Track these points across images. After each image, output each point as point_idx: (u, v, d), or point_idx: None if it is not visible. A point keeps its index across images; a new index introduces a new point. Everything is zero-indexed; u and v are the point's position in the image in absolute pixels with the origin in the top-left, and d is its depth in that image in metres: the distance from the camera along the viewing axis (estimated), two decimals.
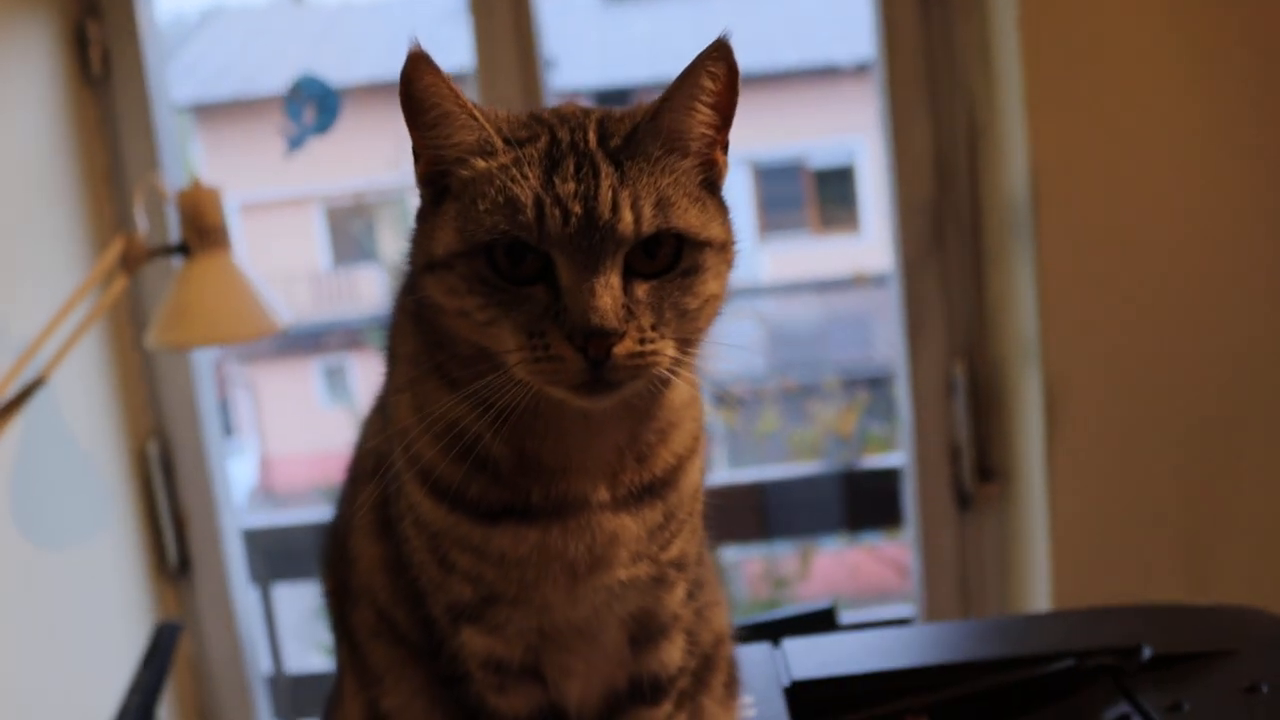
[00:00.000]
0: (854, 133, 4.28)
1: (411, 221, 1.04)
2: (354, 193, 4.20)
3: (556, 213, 0.91)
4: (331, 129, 2.57)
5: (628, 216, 0.92)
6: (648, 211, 0.93)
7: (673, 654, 1.16)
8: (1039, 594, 2.45)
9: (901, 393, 2.64)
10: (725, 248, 0.99)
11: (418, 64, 0.94)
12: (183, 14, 3.98)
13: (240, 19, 4.22)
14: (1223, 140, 2.25)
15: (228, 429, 4.00)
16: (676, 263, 0.95)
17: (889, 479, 2.83)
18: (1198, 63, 2.23)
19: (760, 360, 3.93)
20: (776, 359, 4.08)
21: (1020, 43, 2.23)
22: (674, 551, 1.09)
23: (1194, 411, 2.33)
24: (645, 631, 1.14)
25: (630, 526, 1.04)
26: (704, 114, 0.97)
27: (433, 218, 0.98)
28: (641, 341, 0.92)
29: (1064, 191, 2.27)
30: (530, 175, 0.93)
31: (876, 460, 3.55)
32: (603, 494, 1.03)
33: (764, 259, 4.62)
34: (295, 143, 2.56)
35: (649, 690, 1.16)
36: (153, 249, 2.01)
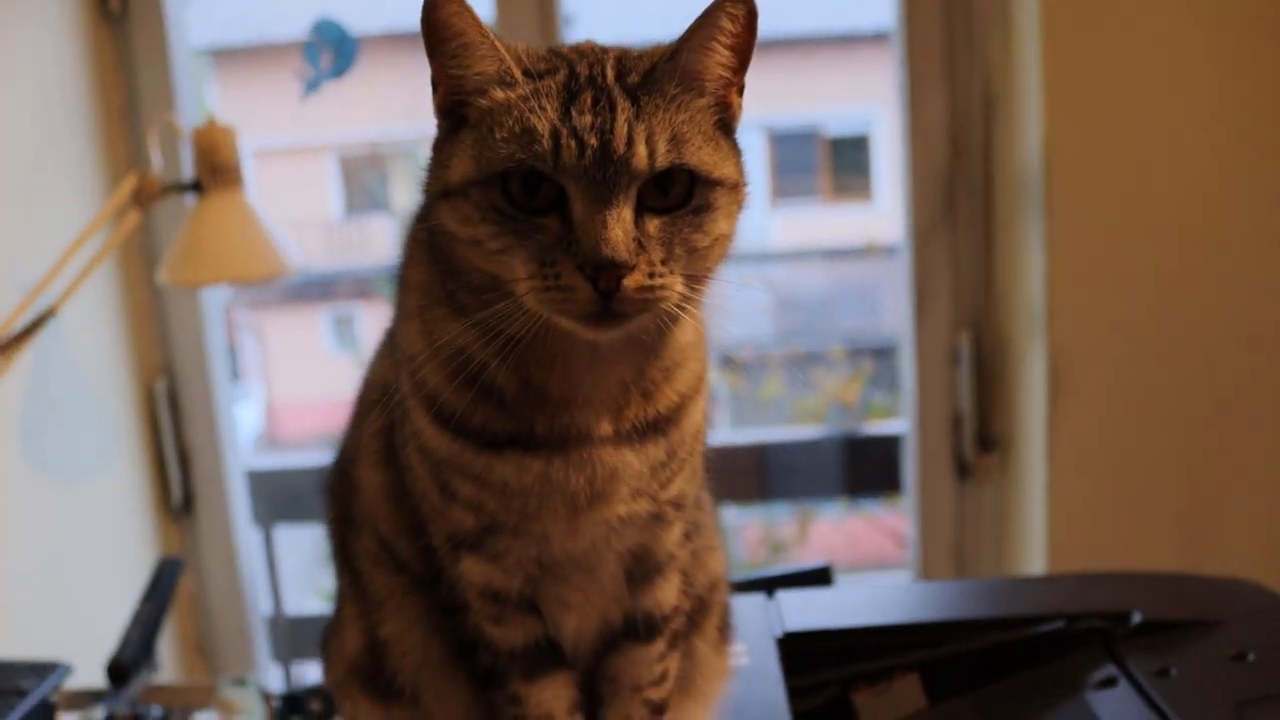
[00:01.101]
0: (871, 101, 4.25)
1: (429, 151, 1.05)
2: (369, 142, 4.18)
3: (572, 144, 0.92)
4: (348, 74, 2.58)
5: (642, 151, 0.93)
6: (662, 147, 0.94)
7: (668, 593, 1.18)
8: (1034, 565, 2.46)
9: (906, 360, 2.65)
10: (737, 188, 1.00)
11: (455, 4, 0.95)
12: None
13: None
14: (1237, 120, 2.25)
15: (235, 374, 4.01)
16: (688, 199, 0.96)
17: (890, 446, 2.84)
18: (1218, 41, 2.23)
19: (767, 326, 3.92)
20: (783, 325, 4.07)
21: (1040, 14, 2.23)
22: (673, 490, 1.11)
23: (1196, 389, 2.33)
24: (642, 568, 1.15)
25: (632, 462, 1.06)
26: (721, 54, 0.98)
27: (449, 146, 0.99)
28: (651, 275, 0.93)
29: (1076, 165, 2.27)
30: (548, 107, 0.94)
31: (878, 427, 3.56)
32: (606, 428, 1.05)
33: (775, 225, 4.61)
34: (311, 86, 2.57)
35: (643, 627, 1.18)
36: (166, 186, 2.02)
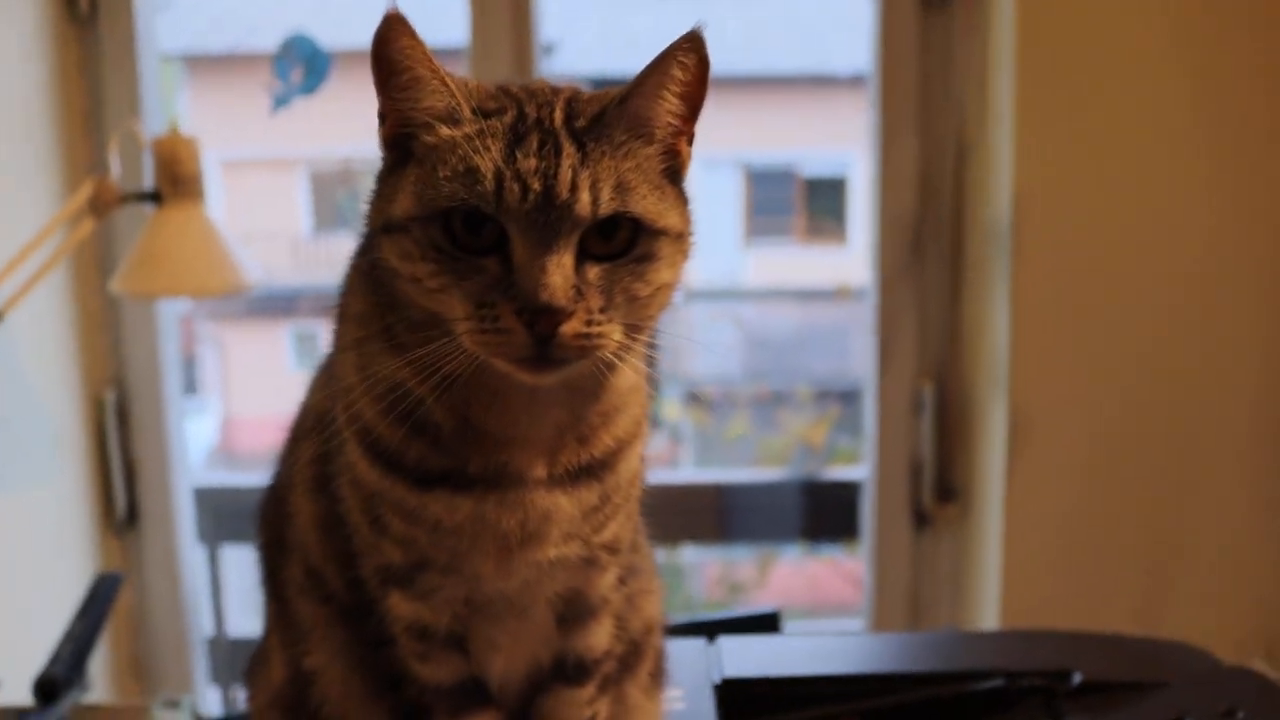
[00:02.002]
0: (849, 144, 4.25)
1: (373, 183, 1.03)
2: (340, 159, 4.16)
3: (515, 187, 0.91)
4: (318, 91, 2.55)
5: (585, 198, 0.92)
6: (606, 194, 0.93)
7: (600, 636, 1.16)
8: (988, 617, 2.45)
9: (868, 406, 2.63)
10: (681, 237, 0.99)
11: (393, 25, 0.94)
12: None
13: None
14: (1212, 175, 2.26)
15: (192, 386, 3.95)
16: (631, 248, 0.95)
17: (850, 491, 2.82)
18: (1196, 100, 2.24)
19: (736, 363, 3.91)
20: (752, 364, 4.06)
21: (1015, 66, 2.23)
22: (608, 535, 1.09)
23: (1158, 447, 2.33)
24: (573, 611, 1.13)
25: (564, 505, 1.04)
26: (671, 103, 0.97)
27: (394, 180, 0.98)
28: (589, 323, 0.92)
29: (1046, 216, 2.27)
30: (493, 147, 0.93)
31: (839, 472, 3.54)
32: (540, 470, 1.03)
33: (748, 263, 4.60)
34: (281, 101, 2.54)
35: (573, 670, 1.15)
36: (124, 194, 1.99)
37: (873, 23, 2.47)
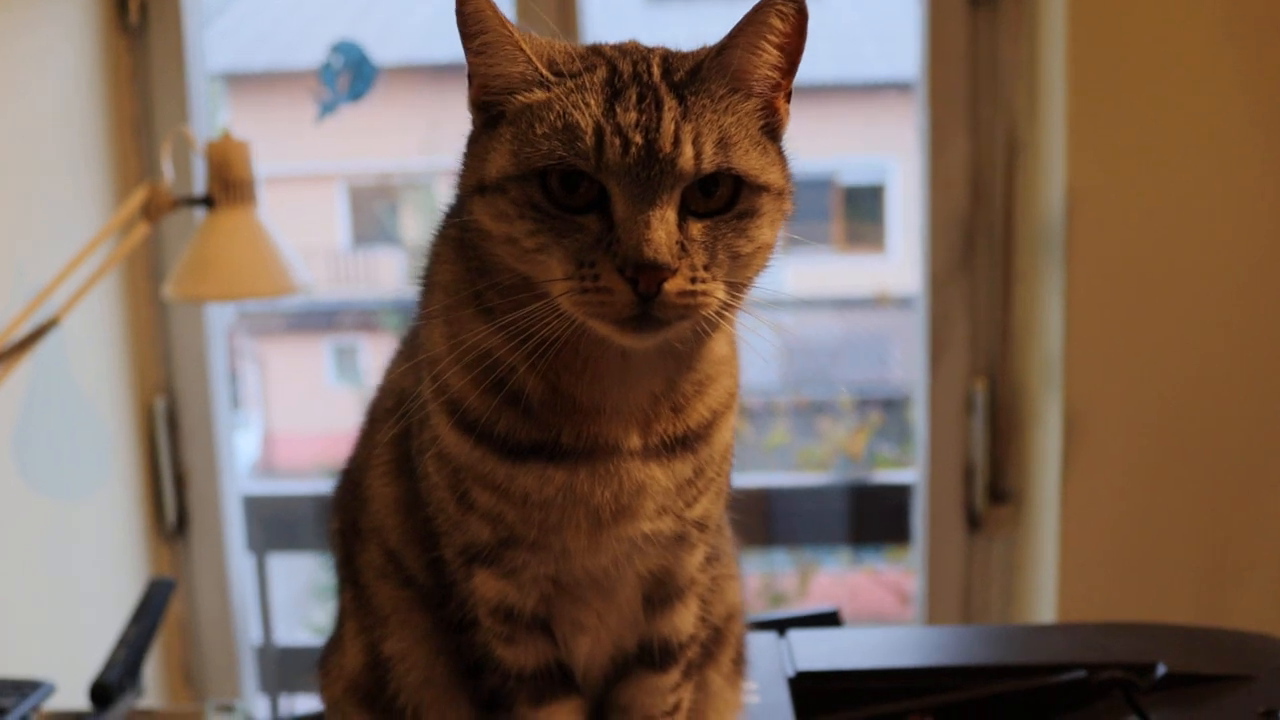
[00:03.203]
0: (888, 152, 4.24)
1: (464, 147, 1.02)
2: (380, 173, 4.17)
3: (616, 141, 0.89)
4: (364, 97, 2.56)
5: (689, 151, 0.90)
6: (709, 149, 0.91)
7: (686, 619, 1.13)
8: (1044, 619, 2.41)
9: (919, 408, 2.61)
10: (782, 195, 0.97)
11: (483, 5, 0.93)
12: None
13: None
14: (1266, 174, 2.23)
15: (234, 401, 3.97)
16: (733, 204, 0.93)
17: (898, 495, 2.79)
18: (1249, 97, 2.21)
19: (775, 372, 3.89)
20: (791, 373, 4.03)
21: (1066, 64, 2.21)
22: (699, 510, 1.06)
23: (1213, 445, 2.29)
24: (661, 592, 1.11)
25: (659, 477, 1.01)
26: (770, 55, 0.95)
27: (486, 140, 0.96)
28: (693, 280, 0.90)
29: (1098, 215, 2.24)
30: (591, 102, 0.91)
31: (887, 476, 3.51)
32: (634, 441, 1.00)
33: (787, 271, 4.58)
34: (327, 108, 2.55)
35: (659, 655, 1.13)
36: (176, 199, 1.99)
37: (920, 23, 2.45)
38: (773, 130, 0.98)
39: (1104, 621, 1.60)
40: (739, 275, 0.95)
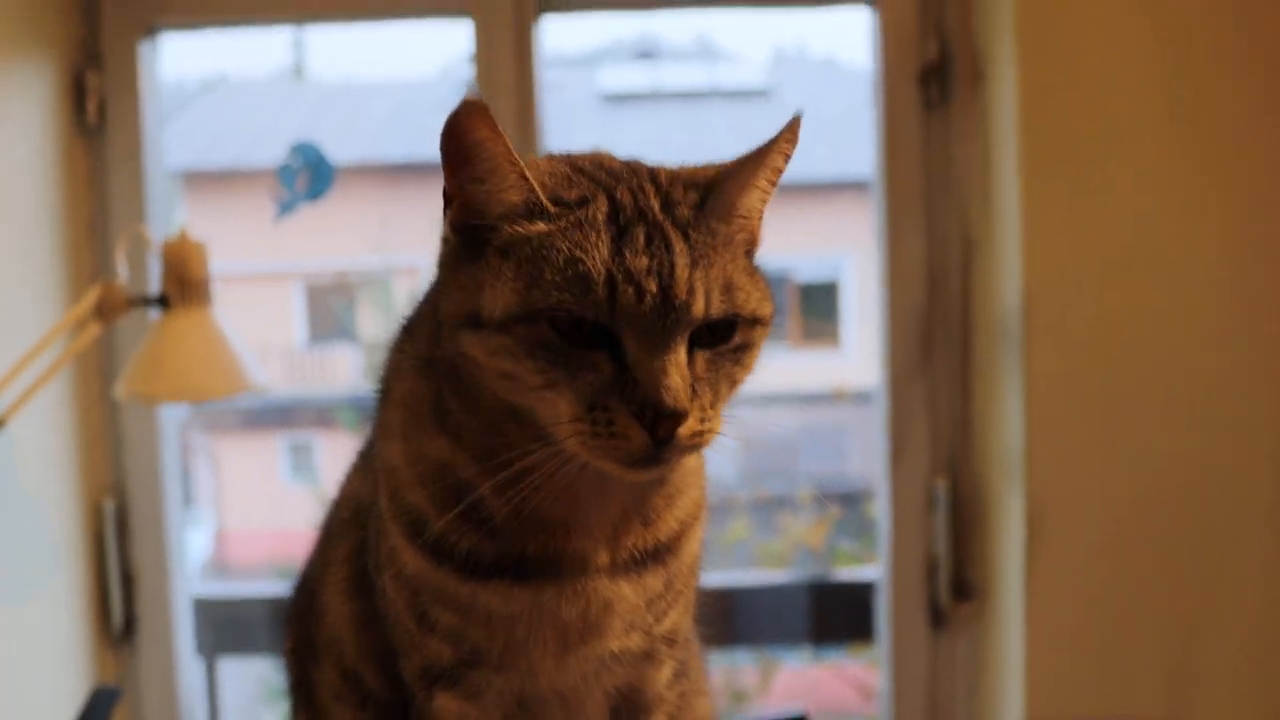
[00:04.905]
0: (842, 248, 4.30)
1: (439, 271, 0.99)
2: (337, 271, 4.16)
3: (630, 290, 0.88)
4: (323, 198, 2.55)
5: (700, 299, 0.90)
6: (716, 294, 0.91)
7: None
8: (1010, 718, 2.38)
9: (881, 504, 2.60)
10: (769, 322, 0.98)
11: (474, 114, 0.90)
12: (184, 79, 3.99)
13: (241, 89, 4.22)
14: (1225, 268, 2.25)
15: (186, 498, 3.90)
16: (732, 336, 0.93)
17: (860, 592, 2.76)
18: (1205, 180, 2.23)
19: (734, 468, 3.88)
20: (750, 468, 4.03)
21: (1019, 161, 2.25)
22: (668, 624, 1.05)
23: (1178, 538, 2.29)
24: (629, 709, 1.08)
25: (628, 594, 1.00)
26: (764, 191, 0.97)
27: (473, 271, 0.93)
28: (702, 420, 0.90)
29: (1056, 309, 2.26)
30: (600, 245, 0.89)
31: (849, 573, 3.49)
32: (603, 557, 0.99)
33: None
34: (286, 208, 2.54)
35: None
36: (131, 298, 1.97)
37: (875, 124, 2.49)
38: (752, 250, 0.99)
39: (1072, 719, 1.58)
40: (730, 400, 0.96)
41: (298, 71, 4.17)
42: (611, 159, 1.00)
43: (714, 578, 3.11)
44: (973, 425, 2.50)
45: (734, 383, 0.94)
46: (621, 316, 0.88)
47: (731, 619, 2.91)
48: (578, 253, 0.89)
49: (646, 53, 4.51)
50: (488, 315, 0.91)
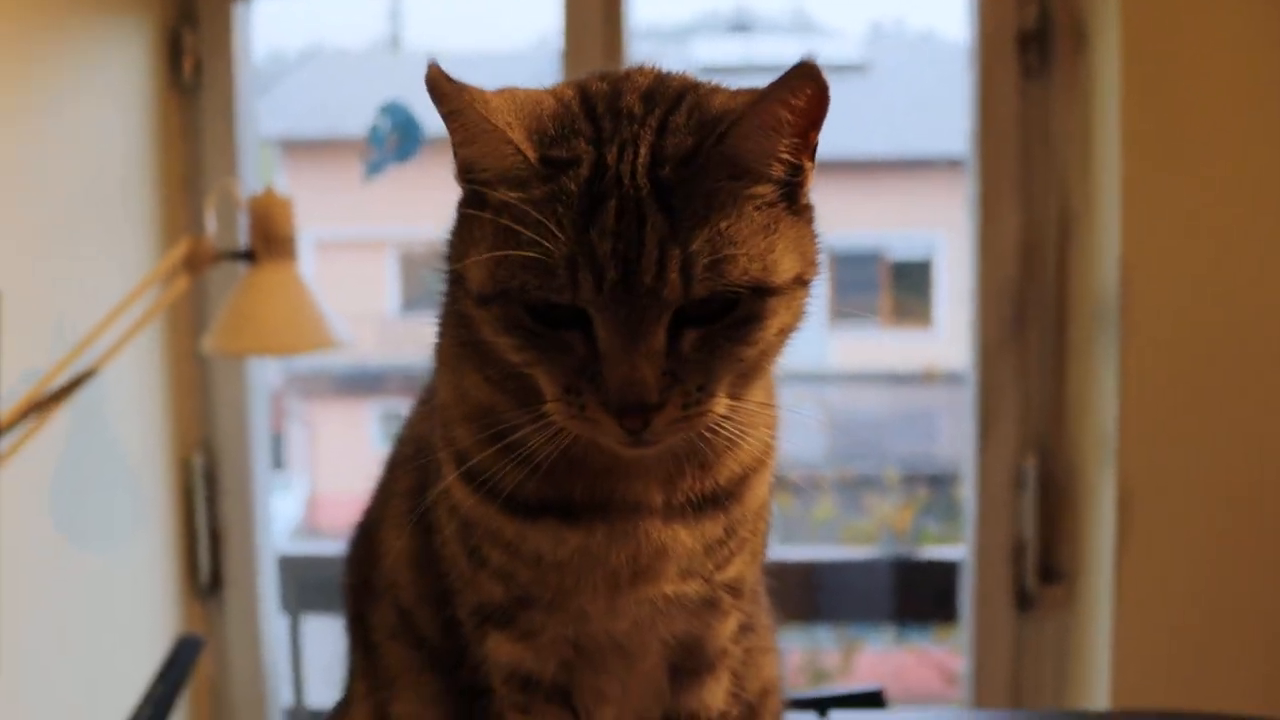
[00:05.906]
0: (935, 227, 4.23)
1: (454, 210, 0.95)
2: (429, 240, 4.20)
3: (589, 277, 0.82)
4: (412, 158, 2.55)
5: (675, 280, 0.82)
6: (699, 271, 0.82)
7: (716, 694, 1.06)
8: (1097, 705, 2.31)
9: (968, 483, 2.54)
10: (798, 281, 0.88)
11: (433, 74, 0.85)
12: (283, 49, 4.05)
13: (338, 59, 4.28)
14: None
15: (279, 462, 3.96)
16: (732, 310, 0.85)
17: (946, 572, 2.71)
18: None
19: (820, 446, 3.84)
20: (837, 447, 3.98)
21: (1121, 132, 2.17)
22: (731, 572, 1.00)
23: (1276, 522, 2.21)
24: (690, 662, 1.04)
25: (683, 539, 0.95)
26: (785, 139, 0.86)
27: (471, 224, 0.89)
28: (685, 406, 0.85)
29: (1154, 286, 2.18)
30: (566, 223, 0.83)
31: (935, 551, 3.43)
32: (655, 498, 0.94)
33: (833, 345, 4.55)
34: (375, 168, 2.54)
35: None
36: (218, 252, 1.99)
37: (971, 95, 2.43)
38: (793, 194, 0.89)
39: (1162, 709, 1.52)
40: (743, 381, 0.89)
41: (394, 42, 4.21)
42: (636, 87, 0.91)
43: (797, 552, 3.08)
44: (1065, 405, 2.43)
45: (737, 359, 0.86)
46: (586, 301, 0.82)
47: (814, 594, 2.88)
48: (543, 231, 0.83)
49: (741, 25, 4.46)
50: (469, 286, 0.88)
